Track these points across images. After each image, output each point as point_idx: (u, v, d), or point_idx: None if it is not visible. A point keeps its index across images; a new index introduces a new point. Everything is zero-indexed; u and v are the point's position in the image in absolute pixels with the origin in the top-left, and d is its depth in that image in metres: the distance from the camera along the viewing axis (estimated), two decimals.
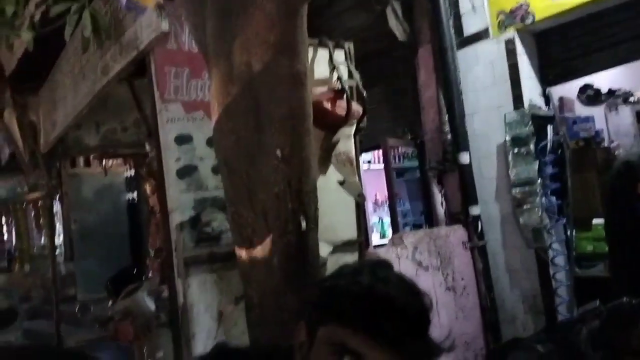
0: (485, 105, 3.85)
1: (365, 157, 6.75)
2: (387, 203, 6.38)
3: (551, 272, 3.46)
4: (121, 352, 3.63)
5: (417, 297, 0.88)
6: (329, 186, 3.22)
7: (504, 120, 3.63)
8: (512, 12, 3.63)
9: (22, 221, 12.01)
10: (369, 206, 7.47)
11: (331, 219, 3.20)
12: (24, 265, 11.45)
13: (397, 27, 4.17)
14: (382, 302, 0.84)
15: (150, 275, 4.65)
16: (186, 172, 2.73)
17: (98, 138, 4.47)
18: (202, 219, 2.70)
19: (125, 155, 7.17)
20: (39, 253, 10.79)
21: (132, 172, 8.38)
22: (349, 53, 3.20)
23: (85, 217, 8.66)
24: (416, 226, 5.74)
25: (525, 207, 3.45)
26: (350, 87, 3.05)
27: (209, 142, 2.74)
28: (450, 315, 3.48)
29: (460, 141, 3.89)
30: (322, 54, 3.05)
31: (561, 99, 4.06)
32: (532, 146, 3.43)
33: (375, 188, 7.73)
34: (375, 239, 7.17)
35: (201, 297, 2.70)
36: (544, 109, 3.66)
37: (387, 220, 7.71)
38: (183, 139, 2.80)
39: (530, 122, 3.47)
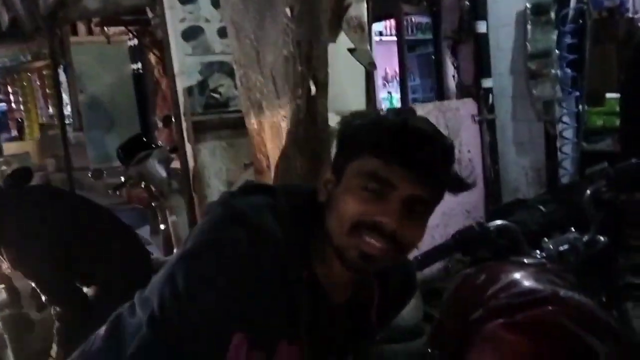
0: None
1: (376, 27, 6.50)
2: (398, 77, 6.27)
3: (558, 144, 3.47)
4: (136, 215, 3.79)
5: (444, 134, 0.90)
6: (338, 54, 3.13)
7: None
8: None
9: (29, 90, 11.98)
10: (379, 81, 7.35)
11: (340, 88, 3.15)
12: (33, 135, 11.61)
13: None
14: (415, 135, 0.86)
15: (159, 144, 4.71)
16: (191, 33, 2.64)
17: (98, 0, 4.26)
18: (210, 85, 2.67)
19: (127, 22, 6.95)
20: (48, 122, 10.90)
21: (135, 42, 8.17)
22: None
23: (92, 88, 8.63)
24: (425, 102, 5.67)
25: (539, 78, 3.37)
26: None
27: (215, 3, 2.63)
28: None
29: (478, 9, 3.71)
30: None
31: None
32: (552, 14, 3.27)
33: (386, 62, 7.55)
34: None
35: (211, 162, 2.75)
36: None
37: (396, 96, 7.64)
38: None
39: None
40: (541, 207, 1.35)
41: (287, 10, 1.80)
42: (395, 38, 5.13)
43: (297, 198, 0.96)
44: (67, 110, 9.42)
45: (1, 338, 2.58)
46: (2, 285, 2.66)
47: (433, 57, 4.43)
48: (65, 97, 9.16)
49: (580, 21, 3.34)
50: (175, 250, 3.11)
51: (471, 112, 3.81)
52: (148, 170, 3.40)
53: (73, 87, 8.89)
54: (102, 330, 1.05)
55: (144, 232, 3.42)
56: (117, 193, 3.77)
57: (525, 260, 1.15)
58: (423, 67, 7.57)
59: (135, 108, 8.87)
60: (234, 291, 0.84)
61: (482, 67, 3.80)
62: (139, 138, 3.95)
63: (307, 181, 1.98)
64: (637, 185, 1.26)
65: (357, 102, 3.46)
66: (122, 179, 3.55)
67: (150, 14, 4.85)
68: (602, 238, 1.27)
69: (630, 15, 3.82)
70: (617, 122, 3.06)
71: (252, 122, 2.00)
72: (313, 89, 1.93)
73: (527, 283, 1.07)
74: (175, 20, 2.65)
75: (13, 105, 13.06)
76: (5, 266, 2.30)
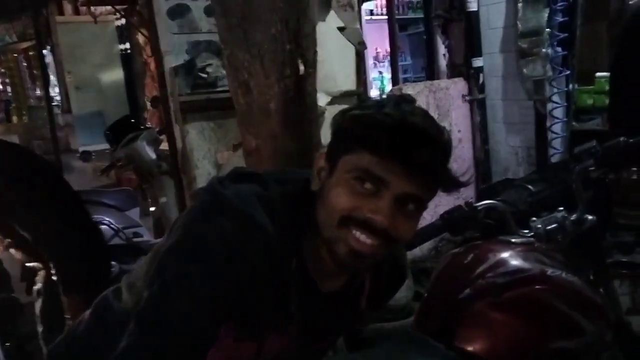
0: None
1: (367, 6, 6.44)
2: (389, 57, 6.22)
3: (548, 124, 3.47)
4: (125, 198, 3.75)
5: (442, 131, 0.88)
6: (328, 33, 3.10)
7: None
8: None
9: (16, 72, 11.79)
10: (369, 61, 7.29)
11: (330, 68, 3.12)
12: (22, 117, 11.47)
13: None
14: (413, 133, 0.84)
15: (148, 125, 4.67)
16: (178, 11, 2.60)
17: None
18: (198, 64, 2.63)
19: (114, 2, 6.82)
20: (36, 104, 10.76)
21: (122, 22, 8.03)
22: None
23: (79, 69, 8.50)
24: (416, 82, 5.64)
25: (530, 57, 3.35)
26: None
27: None
28: None
29: None
30: None
31: None
32: None
33: (376, 42, 7.49)
34: (374, 94, 7.12)
35: (199, 143, 2.73)
36: None
37: (387, 76, 7.59)
38: None
39: None
40: (529, 187, 1.35)
41: None
42: (386, 17, 5.08)
43: (289, 186, 0.94)
44: (55, 91, 9.29)
45: None
46: None
47: (424, 36, 4.39)
48: (53, 79, 9.02)
49: None
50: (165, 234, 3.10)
51: (461, 91, 3.80)
52: (137, 151, 3.36)
53: (60, 68, 8.76)
54: (87, 313, 1.04)
55: (133, 214, 3.39)
56: (106, 175, 3.74)
57: (513, 240, 1.15)
58: (414, 46, 7.52)
59: (123, 89, 8.76)
60: (222, 283, 0.82)
61: (473, 46, 3.78)
62: (128, 119, 3.91)
63: (296, 161, 1.97)
64: (625, 163, 1.26)
65: (347, 82, 3.43)
66: (111, 160, 3.52)
67: None
68: (590, 217, 1.27)
69: None
70: (607, 101, 3.06)
71: (240, 103, 1.98)
72: (302, 68, 1.91)
73: (514, 262, 1.07)
74: None
75: (0, 86, 12.87)
76: None
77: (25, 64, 11.48)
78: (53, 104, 7.93)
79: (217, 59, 2.64)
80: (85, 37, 8.28)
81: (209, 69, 2.66)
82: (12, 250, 2.09)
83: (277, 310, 0.90)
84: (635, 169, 2.14)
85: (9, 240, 2.01)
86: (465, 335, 1.00)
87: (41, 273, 2.16)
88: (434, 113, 3.44)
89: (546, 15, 3.29)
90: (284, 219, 0.88)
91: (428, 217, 1.46)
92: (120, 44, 8.74)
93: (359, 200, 0.84)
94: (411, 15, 6.96)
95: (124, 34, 8.56)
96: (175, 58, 2.60)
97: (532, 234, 1.23)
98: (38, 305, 2.15)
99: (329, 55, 3.08)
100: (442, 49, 4.11)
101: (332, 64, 3.18)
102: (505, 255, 1.08)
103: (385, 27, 4.93)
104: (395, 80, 4.66)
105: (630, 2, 3.52)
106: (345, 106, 0.90)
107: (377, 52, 7.99)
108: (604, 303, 1.13)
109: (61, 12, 8.75)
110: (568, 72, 3.39)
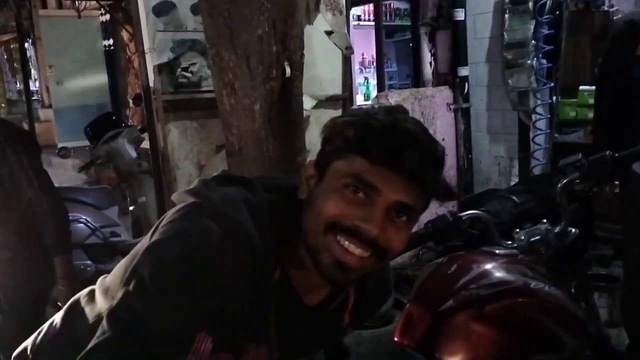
0: None
1: (354, 11, 6.44)
2: (375, 62, 6.22)
3: (531, 135, 3.50)
4: (104, 196, 3.69)
5: (435, 140, 0.87)
6: (315, 36, 3.08)
7: None
8: None
9: None
10: (355, 66, 7.30)
11: (316, 71, 3.11)
12: (0, 111, 11.25)
13: None
14: (405, 136, 0.82)
15: (130, 123, 4.60)
16: (163, 8, 2.56)
17: None
18: (182, 63, 2.59)
19: None
20: (17, 98, 10.57)
21: (107, 17, 7.93)
22: None
23: (61, 63, 8.36)
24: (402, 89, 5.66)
25: (515, 68, 3.38)
26: None
27: None
28: None
29: None
30: None
31: None
32: (530, 4, 3.27)
33: (363, 47, 7.51)
34: (359, 100, 7.12)
35: (181, 143, 2.69)
36: None
37: (373, 82, 7.61)
38: None
39: None
40: (513, 198, 1.35)
41: None
42: (373, 23, 5.08)
43: (276, 193, 0.91)
44: (36, 86, 9.13)
45: None
46: None
47: (411, 43, 4.40)
48: (35, 73, 8.86)
49: (558, 12, 3.35)
50: (144, 234, 3.05)
51: (446, 100, 3.81)
52: (117, 149, 3.31)
53: (42, 62, 8.61)
54: (58, 318, 1.00)
55: (112, 212, 3.33)
56: (85, 172, 3.67)
57: (497, 251, 1.14)
58: (400, 53, 7.56)
59: (106, 86, 8.64)
60: (200, 288, 0.78)
61: (459, 55, 3.80)
62: (109, 116, 3.85)
63: (280, 165, 1.95)
64: (610, 177, 1.26)
65: (333, 86, 3.42)
66: (90, 158, 3.45)
67: None
68: (573, 230, 1.27)
69: (605, 8, 3.86)
70: (590, 114, 3.09)
71: (224, 103, 1.95)
72: (288, 70, 1.89)
73: (498, 274, 1.06)
74: None
75: None
76: None
77: (5, 57, 11.28)
78: (33, 98, 7.80)
79: (202, 59, 2.61)
80: (69, 31, 8.15)
81: (193, 68, 2.63)
82: None
83: (256, 321, 0.87)
84: (617, 182, 2.16)
85: None
86: (446, 346, 0.98)
87: None
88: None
89: (532, 27, 3.32)
90: (269, 227, 0.85)
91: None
92: (104, 40, 8.63)
93: (348, 207, 0.81)
94: (398, 22, 6.99)
95: (108, 29, 8.46)
96: (159, 56, 2.56)
97: (515, 245, 1.22)
98: None
99: (315, 59, 3.07)
100: (428, 57, 4.13)
101: (319, 67, 3.17)
102: (488, 266, 1.07)
103: (372, 33, 4.93)
104: (380, 87, 4.66)
105: (614, 18, 3.59)
106: (330, 110, 0.89)
107: (363, 58, 8.01)
108: (585, 317, 1.12)
109: (44, 6, 8.62)
110: (552, 84, 3.43)
